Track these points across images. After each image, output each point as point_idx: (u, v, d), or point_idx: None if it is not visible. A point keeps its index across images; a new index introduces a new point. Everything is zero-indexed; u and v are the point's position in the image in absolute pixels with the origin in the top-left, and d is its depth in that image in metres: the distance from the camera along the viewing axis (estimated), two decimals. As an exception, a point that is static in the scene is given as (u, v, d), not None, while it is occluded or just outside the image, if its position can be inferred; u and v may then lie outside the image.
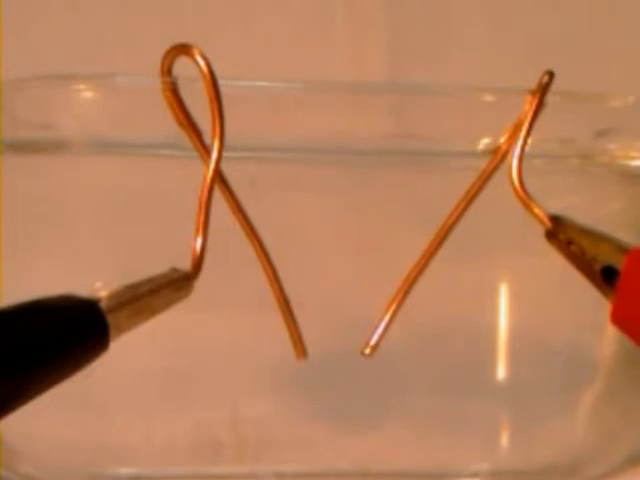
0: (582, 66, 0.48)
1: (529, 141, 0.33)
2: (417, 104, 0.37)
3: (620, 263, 0.29)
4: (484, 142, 0.35)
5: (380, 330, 0.33)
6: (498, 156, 0.33)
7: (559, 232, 0.32)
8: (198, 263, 0.31)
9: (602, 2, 0.52)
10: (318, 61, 0.50)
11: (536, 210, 0.32)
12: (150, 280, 0.30)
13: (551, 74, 0.33)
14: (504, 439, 0.40)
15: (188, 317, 0.33)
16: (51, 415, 0.34)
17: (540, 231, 0.32)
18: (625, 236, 0.31)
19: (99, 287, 0.29)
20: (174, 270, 0.31)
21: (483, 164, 0.34)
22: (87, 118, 0.36)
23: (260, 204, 0.34)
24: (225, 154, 0.32)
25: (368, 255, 0.39)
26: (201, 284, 0.31)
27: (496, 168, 0.34)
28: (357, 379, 0.38)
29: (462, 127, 0.36)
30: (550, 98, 0.33)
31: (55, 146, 0.36)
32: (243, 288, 0.37)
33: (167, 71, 0.32)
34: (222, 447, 0.39)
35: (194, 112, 0.33)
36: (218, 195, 0.33)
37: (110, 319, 0.28)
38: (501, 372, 0.40)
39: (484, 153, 0.34)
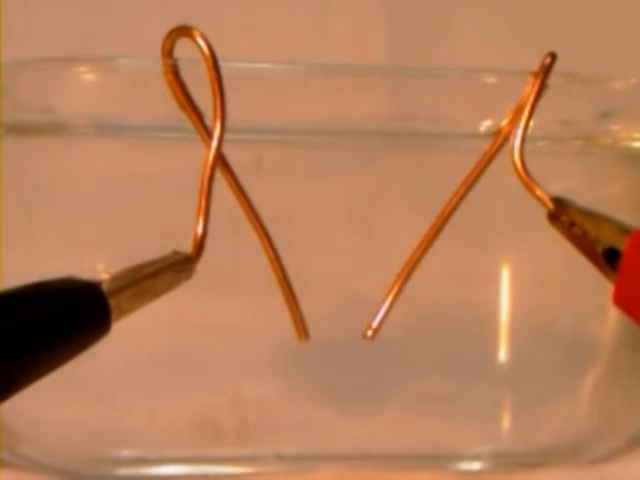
0: (584, 48, 0.47)
1: (531, 123, 0.33)
2: (420, 86, 0.37)
3: (622, 245, 0.29)
4: (486, 124, 0.35)
5: (382, 313, 0.33)
6: (500, 138, 0.33)
7: (561, 214, 0.32)
8: (199, 246, 0.31)
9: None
10: (318, 44, 0.50)
11: (538, 192, 0.32)
12: (152, 263, 0.30)
13: (553, 56, 0.33)
14: (506, 422, 0.40)
15: (190, 300, 0.33)
16: (53, 398, 0.34)
17: (542, 213, 0.32)
18: (627, 218, 0.31)
19: (101, 270, 0.29)
20: (176, 253, 0.31)
21: (485, 146, 0.34)
22: (88, 101, 0.36)
23: (261, 186, 0.34)
24: (226, 136, 0.32)
25: (370, 237, 0.39)
26: (203, 267, 0.31)
27: (498, 150, 0.33)
28: (359, 362, 0.38)
29: (464, 109, 0.36)
30: (552, 80, 0.33)
31: (56, 129, 0.36)
32: (245, 271, 0.37)
33: (168, 53, 0.32)
34: (224, 430, 0.39)
35: (195, 94, 0.33)
36: (221, 177, 0.33)
37: (112, 302, 0.28)
38: (503, 355, 0.40)
39: (486, 135, 0.34)
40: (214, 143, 0.32)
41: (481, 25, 0.51)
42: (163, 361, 0.38)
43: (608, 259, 0.30)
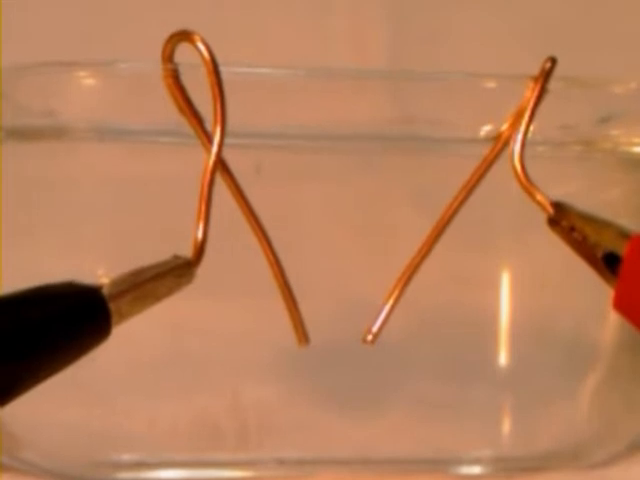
0: (584, 51, 0.47)
1: (531, 128, 0.33)
2: (420, 90, 0.37)
3: (622, 249, 0.29)
4: (486, 129, 0.35)
5: (382, 317, 0.33)
6: (500, 143, 0.33)
7: (561, 219, 0.32)
8: (200, 250, 0.31)
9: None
10: (318, 45, 0.50)
11: (538, 197, 0.32)
12: (152, 267, 0.30)
13: (553, 60, 0.33)
14: (506, 425, 0.40)
15: (190, 304, 0.33)
16: (53, 402, 0.34)
17: (542, 218, 0.32)
18: (627, 222, 0.31)
19: (101, 274, 0.29)
20: (176, 257, 0.31)
21: (485, 151, 0.34)
22: (89, 105, 0.36)
23: (261, 190, 0.34)
24: (226, 141, 0.32)
25: (371, 242, 0.39)
26: (203, 270, 0.31)
27: (498, 155, 0.33)
28: (359, 366, 0.38)
29: (464, 114, 0.36)
30: (552, 84, 0.33)
31: (57, 133, 0.36)
32: (245, 274, 0.37)
33: (168, 58, 0.32)
34: (224, 433, 0.39)
35: (196, 99, 0.33)
36: (221, 181, 0.33)
37: (112, 306, 0.28)
38: (503, 359, 0.40)
39: (486, 140, 0.34)
40: (214, 148, 0.32)
41: (481, 26, 0.51)
42: (163, 365, 0.38)
43: (608, 264, 0.30)
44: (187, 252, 0.31)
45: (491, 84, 0.36)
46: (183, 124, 0.33)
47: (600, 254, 0.30)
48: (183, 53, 0.32)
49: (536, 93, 0.33)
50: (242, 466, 0.39)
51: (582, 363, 0.40)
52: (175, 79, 0.32)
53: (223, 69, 0.31)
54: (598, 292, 0.31)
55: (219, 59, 0.31)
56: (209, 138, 0.32)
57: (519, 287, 0.40)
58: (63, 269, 0.29)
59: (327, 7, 0.51)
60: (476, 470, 0.39)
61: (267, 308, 0.35)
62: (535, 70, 0.33)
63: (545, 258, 0.38)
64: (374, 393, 0.39)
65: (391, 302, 0.33)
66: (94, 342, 0.28)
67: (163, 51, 0.32)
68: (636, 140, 0.38)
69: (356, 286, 0.38)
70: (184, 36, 0.31)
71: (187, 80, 0.32)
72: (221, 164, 0.33)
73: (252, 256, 0.34)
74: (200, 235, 0.32)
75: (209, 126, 0.32)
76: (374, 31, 0.51)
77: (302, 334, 0.34)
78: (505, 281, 0.40)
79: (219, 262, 0.32)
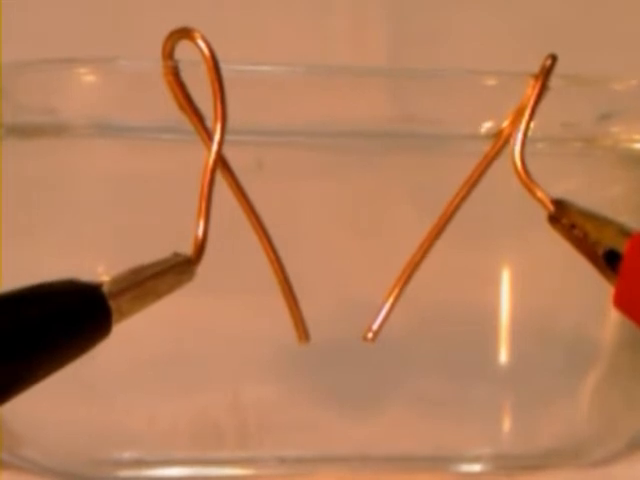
0: (584, 49, 0.48)
1: (532, 125, 0.33)
2: (420, 88, 0.37)
3: (623, 247, 0.29)
4: (487, 126, 0.35)
5: (382, 315, 0.33)
6: (501, 140, 0.33)
7: (562, 216, 0.32)
8: (200, 248, 0.31)
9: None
10: (318, 44, 0.50)
11: (539, 194, 0.32)
12: (152, 265, 0.30)
13: (554, 58, 0.33)
14: (507, 423, 0.40)
15: (190, 301, 0.33)
16: (53, 400, 0.34)
17: (543, 215, 0.32)
18: (628, 220, 0.31)
19: (101, 271, 0.29)
20: (176, 255, 0.31)
21: (486, 148, 0.34)
22: (89, 102, 0.36)
23: (262, 187, 0.34)
24: (227, 138, 0.32)
25: (371, 239, 0.39)
26: (203, 268, 0.31)
27: (499, 152, 0.33)
28: (359, 363, 0.38)
29: (465, 111, 0.36)
30: (553, 82, 0.33)
31: (57, 130, 0.36)
32: (245, 272, 0.37)
33: (169, 55, 0.32)
34: (224, 432, 0.39)
35: (196, 96, 0.33)
36: (221, 178, 0.33)
37: (112, 304, 0.28)
38: (504, 356, 0.40)
39: (487, 137, 0.34)
40: (214, 145, 0.32)
41: (481, 25, 0.51)
42: (163, 363, 0.38)
43: (609, 261, 0.30)
44: (187, 250, 0.31)
45: (491, 81, 0.36)
46: (183, 121, 0.33)
47: (601, 251, 0.30)
48: (183, 50, 0.32)
49: (537, 90, 0.33)
50: (242, 464, 0.39)
51: (582, 360, 0.40)
52: (175, 76, 0.32)
53: (223, 66, 0.31)
54: (598, 290, 0.31)
55: (219, 58, 0.31)
56: (209, 135, 0.32)
57: (519, 284, 0.40)
58: (63, 266, 0.29)
59: (327, 7, 0.51)
60: (476, 468, 0.39)
61: (267, 306, 0.35)
62: (535, 69, 0.33)
63: (545, 255, 0.38)
64: (374, 391, 0.39)
65: (391, 300, 0.33)
66: (94, 340, 0.28)
67: (163, 48, 0.32)
68: (636, 137, 0.38)
69: (356, 284, 0.38)
70: (184, 33, 0.31)
71: (187, 77, 0.32)
72: (221, 161, 0.32)
73: (252, 253, 0.34)
74: (200, 232, 0.31)
75: (209, 123, 0.32)
76: (374, 30, 0.51)
77: (302, 331, 0.34)
78: (505, 278, 0.40)
79: (219, 259, 0.32)
